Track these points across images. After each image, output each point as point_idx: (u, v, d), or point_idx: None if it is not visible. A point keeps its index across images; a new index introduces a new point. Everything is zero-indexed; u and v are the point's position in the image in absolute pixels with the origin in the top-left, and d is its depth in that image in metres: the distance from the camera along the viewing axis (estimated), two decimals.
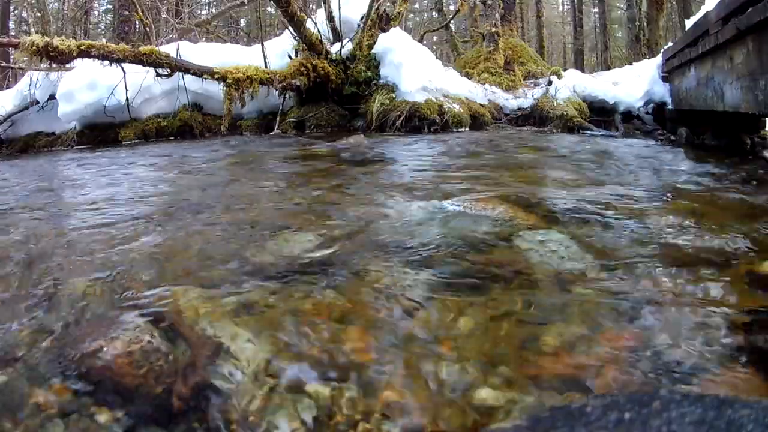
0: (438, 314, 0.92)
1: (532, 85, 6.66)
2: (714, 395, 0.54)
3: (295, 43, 5.66)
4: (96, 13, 20.06)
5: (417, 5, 23.03)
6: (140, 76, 5.07)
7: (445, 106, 5.08)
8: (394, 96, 5.16)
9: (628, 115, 5.46)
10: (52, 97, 5.76)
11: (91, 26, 18.80)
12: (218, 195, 2.13)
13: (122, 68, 4.85)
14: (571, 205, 1.65)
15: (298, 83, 5.19)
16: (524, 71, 7.35)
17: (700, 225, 1.46)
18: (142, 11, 7.05)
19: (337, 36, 5.85)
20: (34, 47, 4.17)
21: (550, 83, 5.96)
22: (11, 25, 16.65)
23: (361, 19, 5.81)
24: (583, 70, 11.26)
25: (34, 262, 1.27)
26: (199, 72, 4.88)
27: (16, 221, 1.82)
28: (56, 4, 17.73)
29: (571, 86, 5.77)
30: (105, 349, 0.78)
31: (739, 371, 0.75)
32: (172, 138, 5.47)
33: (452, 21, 11.52)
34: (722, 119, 3.66)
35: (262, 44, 5.67)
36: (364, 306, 0.95)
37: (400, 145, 3.74)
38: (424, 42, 10.04)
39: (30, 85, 5.87)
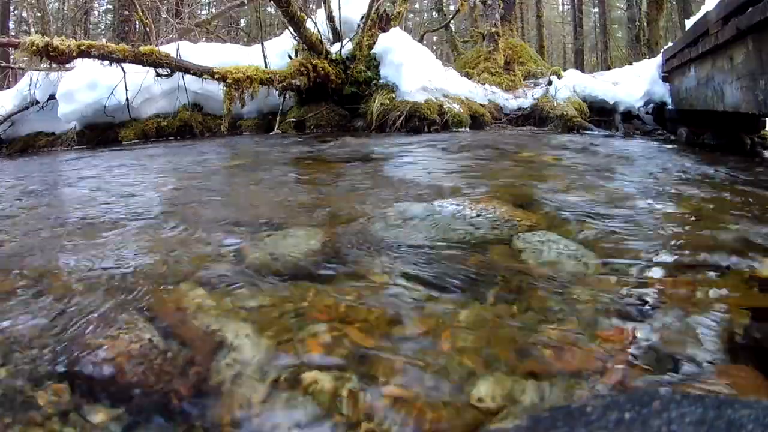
0: (437, 312, 0.92)
1: (532, 85, 6.65)
2: (714, 395, 0.54)
3: (295, 43, 5.65)
4: (96, 13, 20.05)
5: (417, 5, 23.04)
6: (140, 76, 5.06)
7: (445, 106, 5.08)
8: (394, 96, 5.16)
9: (628, 115, 5.45)
10: (52, 97, 5.76)
11: (91, 26, 18.79)
12: (217, 194, 2.13)
13: (122, 68, 4.85)
14: (571, 204, 1.65)
15: (298, 83, 5.19)
16: (524, 71, 7.35)
17: (700, 224, 1.46)
18: (142, 11, 7.05)
19: (337, 36, 5.85)
20: (34, 47, 4.17)
21: (550, 83, 5.96)
22: (11, 25, 16.65)
23: (361, 19, 5.80)
24: (583, 70, 11.26)
25: (31, 260, 1.27)
26: (199, 72, 4.88)
27: (13, 220, 1.82)
28: (56, 4, 17.72)
29: (571, 86, 5.77)
30: (105, 347, 0.78)
31: (739, 371, 0.75)
32: (172, 138, 5.47)
33: (452, 21, 11.53)
34: (722, 119, 3.65)
35: (262, 44, 5.67)
36: (363, 303, 0.95)
37: (400, 145, 3.74)
38: (424, 42, 10.04)
39: (30, 85, 5.86)
